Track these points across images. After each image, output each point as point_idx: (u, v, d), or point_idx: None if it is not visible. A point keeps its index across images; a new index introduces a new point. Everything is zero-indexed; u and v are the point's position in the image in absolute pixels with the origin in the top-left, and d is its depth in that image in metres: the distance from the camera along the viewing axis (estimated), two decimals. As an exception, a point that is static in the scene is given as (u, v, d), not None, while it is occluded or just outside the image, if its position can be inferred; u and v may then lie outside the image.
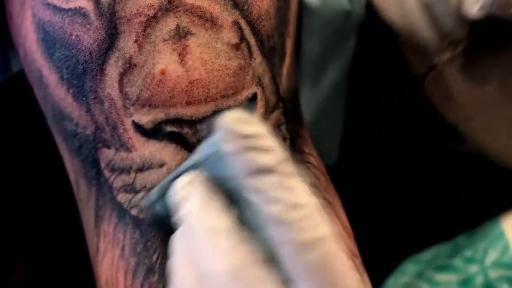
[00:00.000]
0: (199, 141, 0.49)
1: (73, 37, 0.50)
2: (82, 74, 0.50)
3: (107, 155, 0.50)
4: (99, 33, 0.50)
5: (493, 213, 0.68)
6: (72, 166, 0.53)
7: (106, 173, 0.51)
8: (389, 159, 0.66)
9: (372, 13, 0.60)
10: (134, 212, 0.50)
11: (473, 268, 0.59)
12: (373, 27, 0.62)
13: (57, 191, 0.56)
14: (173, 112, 0.49)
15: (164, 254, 0.49)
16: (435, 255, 0.63)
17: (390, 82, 0.65)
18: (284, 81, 0.53)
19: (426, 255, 0.64)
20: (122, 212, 0.50)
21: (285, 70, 0.53)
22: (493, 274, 0.58)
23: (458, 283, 0.59)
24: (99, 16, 0.50)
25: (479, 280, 0.59)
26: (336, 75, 0.60)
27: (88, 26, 0.50)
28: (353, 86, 0.61)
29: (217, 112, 0.49)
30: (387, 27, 0.63)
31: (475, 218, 0.69)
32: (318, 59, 0.59)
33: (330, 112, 0.61)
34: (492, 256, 0.60)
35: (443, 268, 0.61)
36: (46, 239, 0.59)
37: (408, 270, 0.63)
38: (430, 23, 0.54)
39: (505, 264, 0.58)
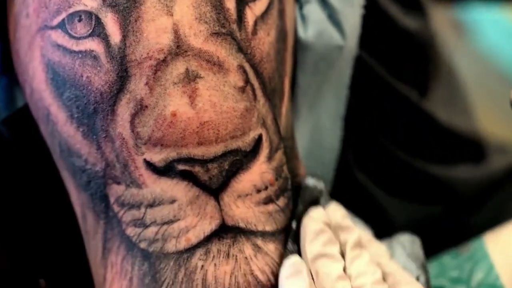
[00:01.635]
0: (211, 179, 0.51)
1: (84, 78, 0.52)
2: (93, 113, 0.52)
3: (116, 190, 0.52)
4: (110, 75, 0.51)
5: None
6: (78, 199, 0.55)
7: (115, 207, 0.52)
8: (383, 186, 0.68)
9: (365, 46, 0.63)
10: (143, 245, 0.52)
11: (459, 289, 0.62)
12: (368, 59, 0.64)
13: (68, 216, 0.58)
14: (184, 152, 0.50)
15: (172, 285, 0.51)
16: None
17: (383, 111, 0.67)
18: (283, 120, 0.55)
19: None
20: (130, 245, 0.52)
21: (284, 109, 0.55)
22: (479, 294, 0.61)
23: (445, 303, 0.62)
24: (110, 59, 0.51)
25: (465, 300, 0.61)
26: (332, 106, 0.62)
27: (98, 68, 0.51)
28: (350, 115, 0.64)
29: (227, 152, 0.51)
30: (381, 59, 0.65)
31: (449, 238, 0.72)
32: (312, 92, 0.61)
33: (325, 142, 0.63)
34: (477, 276, 0.62)
35: (431, 288, 0.63)
36: (71, 251, 0.60)
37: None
38: None
39: (490, 285, 0.61)
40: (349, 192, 0.66)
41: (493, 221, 0.74)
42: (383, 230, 0.70)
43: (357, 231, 0.54)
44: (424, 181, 0.71)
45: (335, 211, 0.55)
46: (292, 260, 0.52)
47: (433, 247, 0.71)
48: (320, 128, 0.63)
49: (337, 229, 0.53)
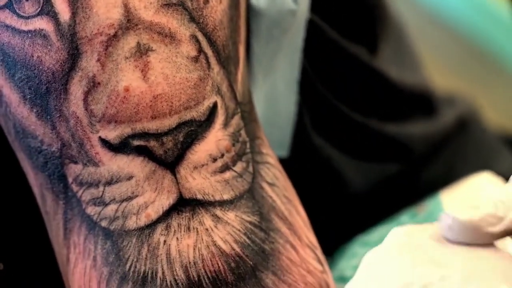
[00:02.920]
0: (166, 153, 0.51)
1: (35, 58, 0.51)
2: (46, 93, 0.51)
3: (74, 170, 0.52)
4: (61, 53, 0.51)
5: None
6: (36, 180, 0.54)
7: (74, 187, 0.52)
8: (339, 148, 0.68)
9: (316, 9, 0.63)
10: (104, 223, 0.51)
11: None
12: (319, 22, 0.64)
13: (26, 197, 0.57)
14: (139, 127, 0.50)
15: (137, 262, 0.51)
16: (381, 236, 0.65)
17: (336, 73, 0.68)
18: (239, 86, 0.55)
19: (373, 236, 0.66)
20: (91, 224, 0.52)
21: (240, 76, 0.55)
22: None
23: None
24: (60, 37, 0.50)
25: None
26: (286, 71, 0.62)
27: (49, 47, 0.51)
28: (304, 79, 0.63)
29: (181, 124, 0.51)
30: (331, 21, 0.66)
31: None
32: (267, 59, 0.61)
33: (281, 107, 0.63)
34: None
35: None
36: (29, 235, 0.60)
37: (357, 252, 0.66)
38: None
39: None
40: (306, 155, 0.66)
41: (446, 175, 0.75)
42: (339, 193, 0.70)
43: None
44: (379, 140, 0.71)
45: None
46: None
47: (390, 207, 0.72)
48: (275, 93, 0.63)
49: None
